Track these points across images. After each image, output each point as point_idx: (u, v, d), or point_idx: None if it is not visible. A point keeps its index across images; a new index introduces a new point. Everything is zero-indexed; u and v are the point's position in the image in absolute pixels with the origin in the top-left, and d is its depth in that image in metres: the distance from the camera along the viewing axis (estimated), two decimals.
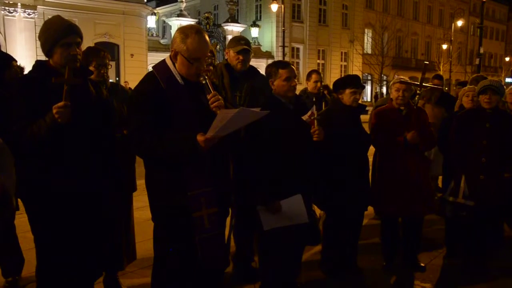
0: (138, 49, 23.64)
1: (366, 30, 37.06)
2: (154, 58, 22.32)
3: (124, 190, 3.27)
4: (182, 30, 2.41)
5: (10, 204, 2.15)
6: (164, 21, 35.70)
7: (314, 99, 5.13)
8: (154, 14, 27.05)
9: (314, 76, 5.36)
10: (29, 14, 20.11)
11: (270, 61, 22.81)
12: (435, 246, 4.42)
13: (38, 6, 20.28)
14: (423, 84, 3.89)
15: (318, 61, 34.31)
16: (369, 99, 35.83)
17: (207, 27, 26.78)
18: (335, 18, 34.72)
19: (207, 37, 2.42)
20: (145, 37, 24.68)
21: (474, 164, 3.74)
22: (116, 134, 2.99)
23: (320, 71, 20.18)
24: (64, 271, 2.51)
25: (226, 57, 3.69)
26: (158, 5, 39.79)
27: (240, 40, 3.63)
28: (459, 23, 37.88)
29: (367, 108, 4.07)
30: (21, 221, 3.26)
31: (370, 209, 3.87)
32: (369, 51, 35.90)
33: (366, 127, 3.95)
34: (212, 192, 2.38)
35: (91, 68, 3.05)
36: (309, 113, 3.02)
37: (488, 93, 3.71)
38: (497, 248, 4.25)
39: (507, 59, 48.82)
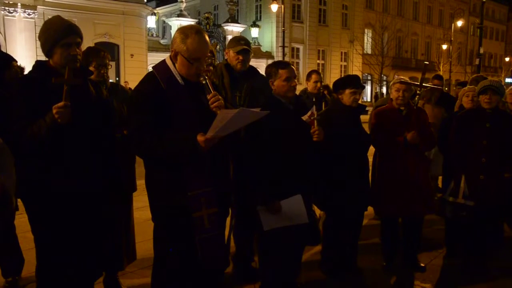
0: (138, 49, 23.65)
1: (366, 30, 37.07)
2: (154, 58, 22.34)
3: (124, 190, 3.27)
4: (182, 30, 2.41)
5: (10, 204, 2.15)
6: (164, 21, 35.71)
7: (314, 99, 5.13)
8: (154, 14, 27.06)
9: (314, 76, 5.36)
10: (29, 14, 20.11)
11: (270, 61, 22.82)
12: (435, 246, 4.42)
13: (38, 6, 20.29)
14: (423, 84, 3.89)
15: (318, 61, 34.31)
16: (369, 99, 35.83)
17: (207, 27, 26.78)
18: (335, 18, 34.72)
19: (207, 37, 2.43)
20: (145, 37, 24.68)
21: (474, 164, 3.75)
22: (116, 134, 2.99)
23: (320, 71, 20.19)
24: (64, 271, 2.51)
25: (226, 57, 3.70)
26: (158, 5, 39.80)
27: (240, 40, 3.63)
28: (459, 23, 37.89)
29: (367, 108, 4.07)
30: (21, 221, 3.26)
31: (370, 209, 3.87)
32: (369, 51, 35.90)
33: (366, 127, 3.95)
34: (212, 192, 2.38)
35: (91, 68, 3.06)
36: (309, 113, 3.02)
37: (488, 93, 3.71)
38: (497, 248, 4.25)
39: (507, 59, 48.81)
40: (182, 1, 27.72)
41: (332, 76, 31.82)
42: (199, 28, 2.45)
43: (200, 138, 2.20)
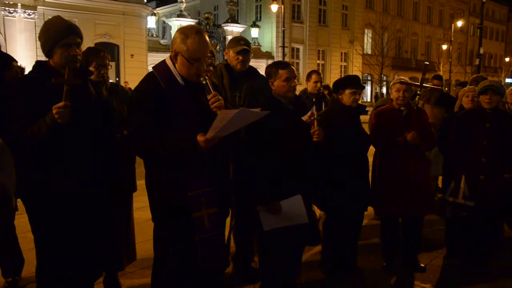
0: (138, 49, 23.66)
1: (366, 31, 37.08)
2: (154, 58, 22.36)
3: (124, 190, 3.27)
4: (182, 30, 2.41)
5: (10, 204, 2.15)
6: (164, 22, 35.72)
7: (314, 100, 5.14)
8: (154, 14, 27.06)
9: (314, 77, 5.36)
10: (29, 15, 20.12)
11: (270, 61, 22.83)
12: (435, 247, 4.42)
13: (38, 7, 20.30)
14: (424, 84, 3.89)
15: (318, 61, 34.33)
16: (369, 100, 35.84)
17: (207, 27, 26.79)
18: (335, 18, 34.73)
19: (207, 38, 2.43)
20: (145, 38, 24.69)
21: (474, 164, 3.75)
22: (116, 135, 2.99)
23: (320, 71, 20.24)
24: (64, 271, 2.51)
25: (225, 58, 3.69)
26: (158, 6, 39.82)
27: (240, 41, 3.63)
28: (459, 23, 37.90)
29: (367, 109, 4.07)
30: (21, 221, 3.27)
31: (370, 209, 3.87)
32: (369, 52, 35.91)
33: (366, 127, 3.95)
34: (212, 192, 2.38)
35: (91, 68, 3.06)
36: (309, 113, 3.02)
37: (488, 93, 3.71)
38: (497, 248, 4.25)
39: (507, 59, 48.81)
40: (182, 2, 27.73)
41: (332, 77, 31.83)
42: (199, 28, 2.45)
43: (200, 138, 2.21)
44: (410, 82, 3.83)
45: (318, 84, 5.35)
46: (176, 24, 26.68)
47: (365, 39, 36.81)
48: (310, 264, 3.91)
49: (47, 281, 2.55)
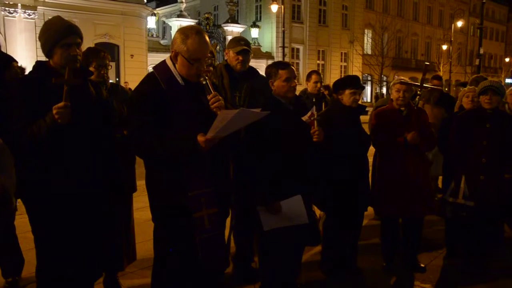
0: (138, 49, 23.66)
1: (366, 31, 37.09)
2: (154, 58, 22.36)
3: (124, 190, 3.27)
4: (182, 31, 2.41)
5: (10, 204, 2.15)
6: (164, 22, 35.74)
7: (314, 100, 5.14)
8: (154, 14, 27.08)
9: (314, 77, 5.36)
10: (29, 15, 20.12)
11: (270, 61, 22.80)
12: (435, 247, 4.42)
13: (38, 7, 20.30)
14: (424, 84, 3.89)
15: (318, 61, 34.34)
16: (369, 100, 35.84)
17: (207, 27, 26.79)
18: (335, 18, 34.75)
19: (207, 38, 2.43)
20: (145, 38, 24.70)
21: (474, 165, 3.75)
22: (116, 135, 3.00)
23: (320, 71, 20.21)
24: (64, 272, 2.51)
25: (225, 58, 3.70)
26: (158, 6, 39.83)
27: (240, 41, 3.63)
28: (459, 23, 37.93)
29: (367, 109, 4.07)
30: (21, 221, 3.27)
31: (370, 209, 3.87)
32: (369, 52, 35.92)
33: (366, 127, 3.95)
34: (212, 193, 2.39)
35: (91, 68, 3.06)
36: (309, 113, 3.02)
37: (489, 94, 3.71)
38: (497, 248, 4.25)
39: (507, 59, 48.81)
40: (182, 2, 27.75)
41: (332, 77, 31.83)
42: (199, 28, 2.45)
43: (200, 138, 2.21)
44: (410, 82, 3.83)
45: (318, 84, 5.36)
46: (176, 24, 26.69)
47: (365, 39, 36.82)
48: (310, 264, 3.91)
49: (47, 281, 2.55)
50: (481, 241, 3.86)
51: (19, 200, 2.78)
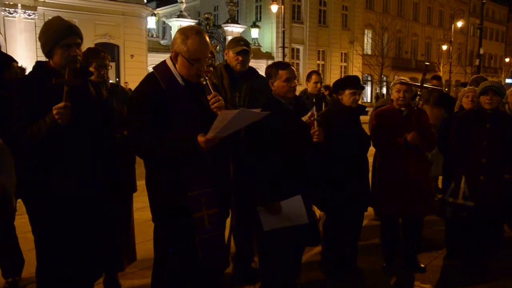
0: (138, 50, 23.66)
1: (366, 31, 37.09)
2: (154, 59, 22.36)
3: (124, 190, 3.27)
4: (182, 31, 2.41)
5: (10, 205, 2.15)
6: (164, 22, 35.74)
7: (314, 100, 5.14)
8: (154, 15, 27.08)
9: (314, 77, 5.36)
10: (29, 15, 20.12)
11: (270, 62, 22.77)
12: (435, 247, 4.42)
13: (38, 7, 20.30)
14: (424, 85, 3.89)
15: (318, 62, 34.33)
16: (369, 100, 35.84)
17: (207, 28, 26.79)
18: (335, 19, 34.74)
19: (207, 38, 2.43)
20: (145, 38, 24.70)
21: (474, 165, 3.74)
22: (116, 135, 3.00)
23: (320, 72, 20.18)
24: (64, 272, 2.51)
25: (225, 58, 3.70)
26: (158, 6, 39.84)
27: (240, 41, 3.63)
28: (459, 24, 37.93)
29: (367, 109, 4.07)
30: (21, 222, 3.27)
31: (370, 209, 3.87)
32: (369, 52, 35.92)
33: (366, 128, 3.95)
34: (212, 193, 2.38)
35: (91, 69, 3.06)
36: (309, 114, 3.02)
37: (489, 94, 3.71)
38: (497, 248, 4.25)
39: (507, 60, 48.80)
40: (182, 2, 27.74)
41: (332, 77, 31.83)
42: (200, 29, 2.45)
43: (200, 138, 2.21)
44: (410, 82, 3.83)
45: (318, 85, 5.36)
46: (176, 24, 26.69)
47: (365, 40, 36.81)
48: (310, 264, 3.91)
49: (47, 282, 2.55)
50: (481, 242, 3.86)
51: (19, 200, 2.79)
